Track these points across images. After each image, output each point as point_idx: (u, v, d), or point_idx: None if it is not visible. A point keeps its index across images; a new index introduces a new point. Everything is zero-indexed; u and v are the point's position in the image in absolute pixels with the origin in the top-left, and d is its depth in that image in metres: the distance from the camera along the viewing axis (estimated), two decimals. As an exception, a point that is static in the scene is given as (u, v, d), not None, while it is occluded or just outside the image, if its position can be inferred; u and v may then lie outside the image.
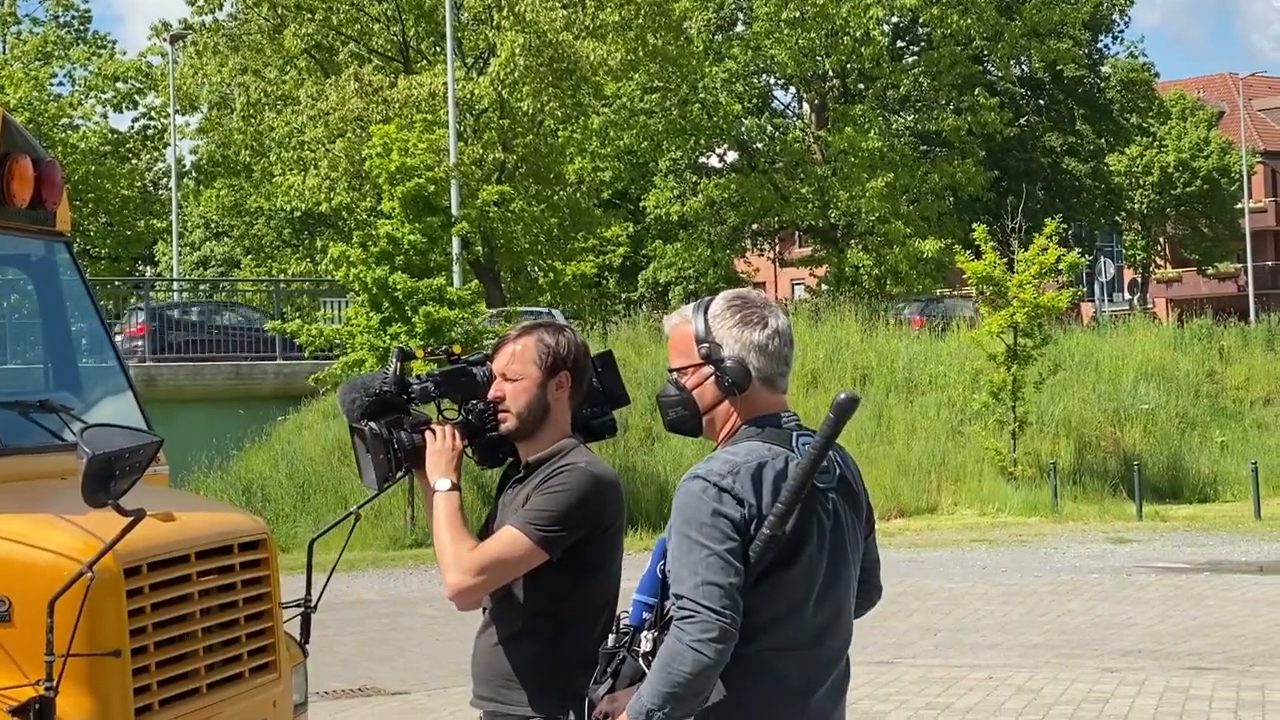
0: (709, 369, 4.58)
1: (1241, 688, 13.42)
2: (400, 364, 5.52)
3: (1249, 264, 77.42)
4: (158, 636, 6.30)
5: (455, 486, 5.36)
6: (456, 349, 5.68)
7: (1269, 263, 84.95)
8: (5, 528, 6.05)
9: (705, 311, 4.64)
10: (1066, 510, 30.99)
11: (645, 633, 4.53)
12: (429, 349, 6.07)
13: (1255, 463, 32.17)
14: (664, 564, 4.50)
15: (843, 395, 4.53)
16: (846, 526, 4.63)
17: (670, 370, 4.68)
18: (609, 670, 4.60)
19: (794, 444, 4.52)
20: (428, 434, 5.42)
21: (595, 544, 5.41)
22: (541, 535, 5.24)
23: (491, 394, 5.44)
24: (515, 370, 5.40)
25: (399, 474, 5.52)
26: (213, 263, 63.12)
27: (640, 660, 4.51)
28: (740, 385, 4.57)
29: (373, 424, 5.44)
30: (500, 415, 5.42)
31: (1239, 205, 77.32)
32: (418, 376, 5.56)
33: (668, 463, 31.60)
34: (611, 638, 4.65)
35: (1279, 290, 79.29)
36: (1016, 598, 19.74)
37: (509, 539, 5.27)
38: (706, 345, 4.60)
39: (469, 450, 5.50)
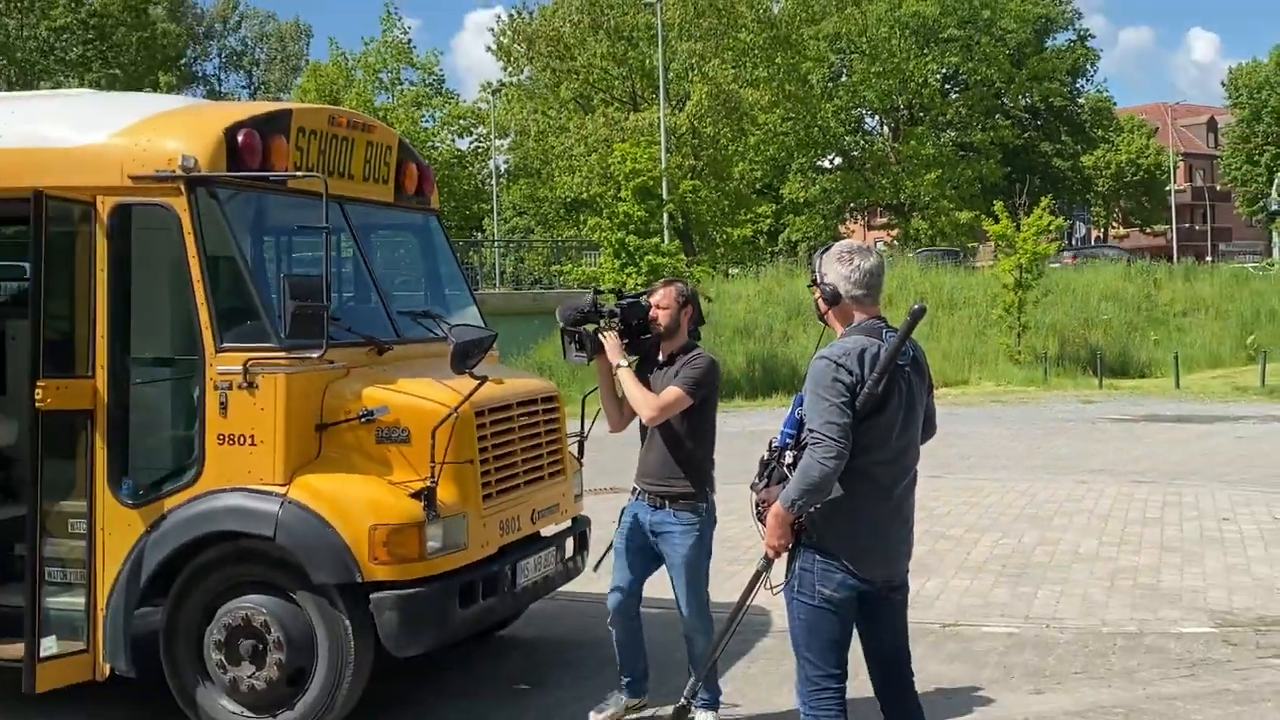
0: (818, 289, 4.65)
1: (1166, 493, 13.22)
2: (595, 296, 6.22)
3: (1173, 226, 75.86)
4: (494, 453, 6.41)
5: (628, 365, 6.06)
6: (629, 288, 6.46)
7: (1186, 225, 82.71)
8: (407, 387, 6.17)
9: (821, 255, 4.70)
10: (1053, 383, 30.50)
11: (789, 452, 4.56)
12: (611, 290, 6.70)
13: (1176, 353, 31.66)
14: (800, 411, 4.53)
15: (915, 305, 4.57)
16: (916, 388, 4.64)
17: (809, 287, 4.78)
18: (765, 474, 4.64)
19: (883, 337, 4.53)
20: (603, 337, 6.09)
21: (711, 397, 6.10)
22: (690, 390, 5.96)
23: (652, 314, 6.14)
24: (664, 303, 6.13)
25: (593, 357, 6.17)
26: (518, 231, 63.50)
27: (785, 469, 4.55)
28: (831, 300, 4.61)
29: (585, 328, 6.13)
30: (654, 326, 6.13)
31: (1167, 188, 75.65)
32: (600, 301, 6.24)
33: (796, 352, 31.57)
34: (765, 453, 4.66)
35: (1193, 243, 77.14)
36: (1020, 437, 19.51)
37: (674, 393, 5.95)
38: (815, 275, 4.67)
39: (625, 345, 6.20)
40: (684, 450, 6.02)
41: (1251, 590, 8.97)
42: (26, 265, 6.31)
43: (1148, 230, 78.63)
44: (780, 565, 4.64)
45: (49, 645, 6.03)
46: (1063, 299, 36.43)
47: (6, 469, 6.89)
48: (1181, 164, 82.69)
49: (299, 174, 6.26)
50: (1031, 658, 7.39)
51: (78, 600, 6.12)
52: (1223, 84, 75.40)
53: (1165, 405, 24.98)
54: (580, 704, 6.54)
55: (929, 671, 6.92)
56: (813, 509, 4.45)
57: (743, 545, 10.11)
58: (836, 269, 4.60)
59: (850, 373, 4.42)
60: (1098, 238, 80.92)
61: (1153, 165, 74.35)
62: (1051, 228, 33.29)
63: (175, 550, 5.97)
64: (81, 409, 6.06)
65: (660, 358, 6.14)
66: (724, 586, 8.77)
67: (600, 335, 6.11)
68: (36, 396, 5.93)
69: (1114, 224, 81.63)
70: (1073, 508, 12.36)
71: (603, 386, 6.23)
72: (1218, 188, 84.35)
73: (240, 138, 6.10)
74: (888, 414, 4.50)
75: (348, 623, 5.87)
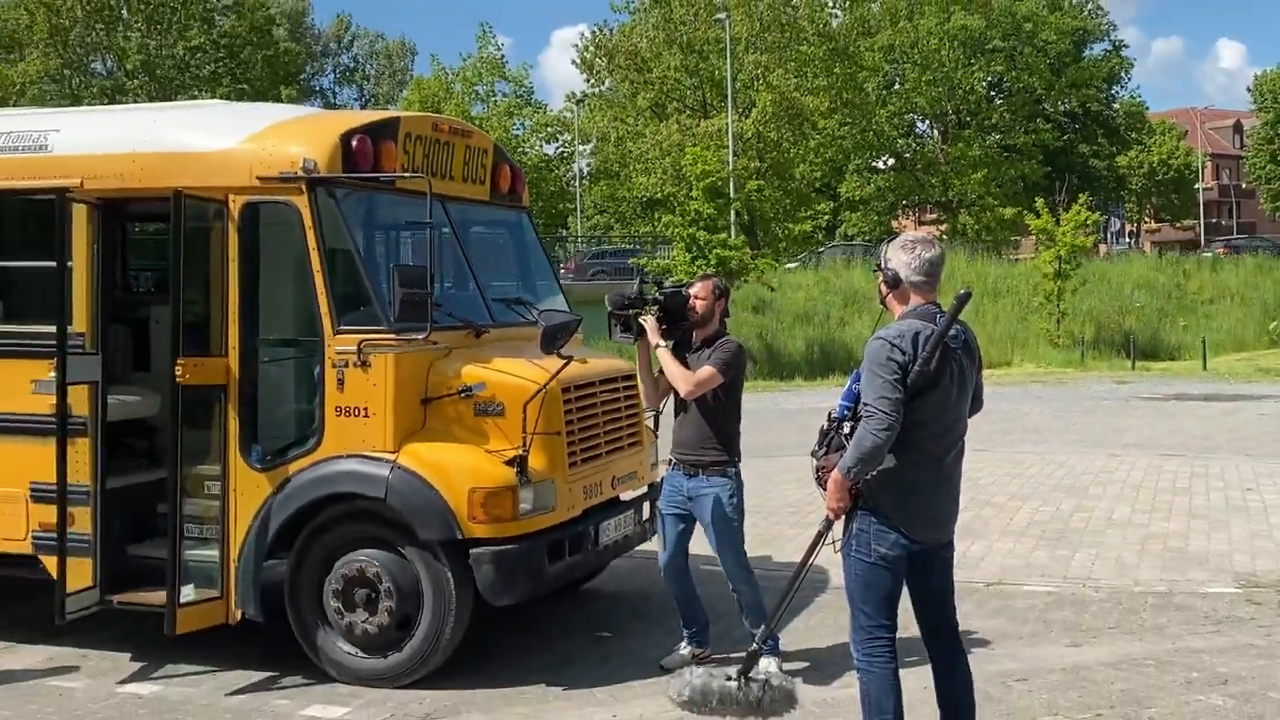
0: (881, 273, 4.59)
1: (1194, 465, 12.99)
2: (640, 285, 6.25)
3: (1201, 221, 74.44)
4: (578, 425, 6.43)
5: (667, 346, 6.09)
6: (669, 281, 6.48)
7: (1213, 220, 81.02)
8: (502, 366, 6.19)
9: (888, 243, 4.64)
10: (1089, 365, 30.05)
11: (846, 423, 4.52)
12: (653, 280, 6.68)
13: (1203, 337, 31.12)
14: (856, 386, 4.49)
15: (961, 290, 4.50)
16: (967, 368, 4.56)
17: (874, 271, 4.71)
18: (825, 442, 4.60)
19: (936, 321, 4.46)
20: (644, 321, 6.12)
21: (738, 377, 6.14)
22: (722, 369, 6.02)
23: (691, 304, 6.19)
24: (702, 294, 6.20)
25: (636, 338, 6.20)
26: (598, 227, 63.52)
27: (842, 438, 4.51)
28: (891, 284, 4.54)
29: (629, 311, 6.16)
30: (691, 314, 6.17)
31: (1196, 186, 74.18)
32: (645, 290, 6.29)
33: (851, 336, 31.37)
34: (825, 423, 4.62)
35: (1220, 237, 75.49)
36: (1059, 414, 19.23)
37: (708, 371, 6.01)
38: (879, 261, 4.61)
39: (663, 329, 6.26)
40: (717, 423, 6.08)
41: (1274, 554, 8.79)
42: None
43: (1177, 225, 77.16)
44: (839, 526, 4.61)
45: (188, 593, 6.15)
46: (1099, 287, 35.91)
47: (150, 437, 7.02)
48: (1209, 164, 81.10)
49: (406, 175, 6.31)
50: (1069, 614, 7.29)
51: (213, 553, 6.23)
52: (1248, 89, 73.86)
53: (1193, 385, 24.53)
54: (656, 650, 6.56)
55: (974, 625, 6.86)
56: (868, 475, 4.41)
57: (803, 509, 10.08)
58: (900, 256, 4.54)
59: (904, 353, 4.36)
60: (1131, 231, 79.53)
61: (1182, 165, 72.91)
62: (1088, 223, 32.90)
63: (298, 509, 6.06)
64: (216, 384, 6.17)
65: (694, 343, 6.21)
66: (786, 548, 8.80)
67: (641, 319, 6.13)
68: (176, 373, 6.03)
69: (1146, 219, 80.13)
70: (1107, 478, 12.16)
71: (641, 366, 6.33)
72: (1243, 185, 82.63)
73: (354, 143, 6.16)
74: (940, 391, 4.44)
75: (450, 575, 5.93)
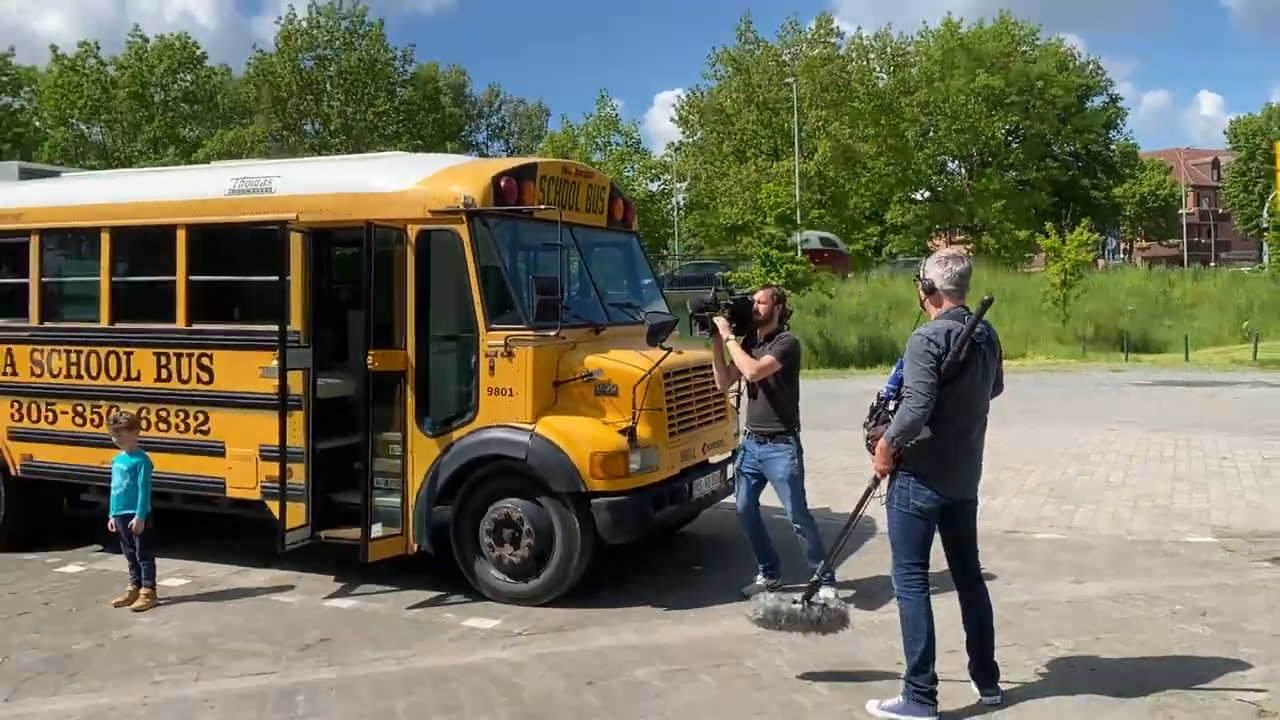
0: (920, 282, 4.48)
1: (1178, 439, 12.52)
2: (715, 292, 6.12)
3: (1184, 240, 71.66)
4: (677, 403, 6.39)
5: (736, 341, 5.98)
6: (738, 290, 6.37)
7: (1195, 239, 77.88)
8: (616, 356, 6.20)
9: (926, 258, 4.54)
10: (1090, 357, 29.14)
11: (891, 401, 4.45)
12: (726, 288, 6.53)
13: (1186, 335, 30.05)
14: (900, 372, 4.41)
15: (985, 297, 4.40)
16: (990, 360, 4.46)
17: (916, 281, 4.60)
18: (874, 417, 4.52)
19: (964, 321, 4.37)
20: (717, 320, 5.98)
21: (795, 365, 6.05)
22: (780, 358, 5.96)
23: (755, 307, 6.08)
24: (764, 300, 6.11)
25: (711, 334, 6.05)
26: (691, 248, 63.05)
27: (888, 413, 4.44)
28: (928, 291, 4.44)
29: (706, 313, 6.01)
30: (755, 315, 6.06)
31: (1180, 212, 71.46)
32: (719, 296, 6.15)
33: (895, 334, 30.81)
34: (874, 402, 4.54)
35: (1199, 253, 72.53)
36: (1065, 397, 18.65)
37: (769, 359, 5.94)
38: (919, 271, 4.50)
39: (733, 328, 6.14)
40: (780, 403, 6.01)
41: (1245, 511, 8.45)
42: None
43: (1164, 243, 74.40)
44: (884, 484, 4.54)
45: (377, 530, 6.28)
46: (1098, 295, 34.86)
47: (348, 410, 7.18)
48: (1191, 193, 78.02)
49: (542, 207, 6.34)
50: (1073, 557, 7.08)
51: (395, 500, 6.35)
52: (1224, 132, 71.14)
53: (1177, 374, 23.66)
54: (738, 581, 6.53)
55: (994, 566, 6.70)
56: (908, 445, 4.33)
57: (854, 471, 9.94)
58: (935, 269, 4.45)
59: (939, 346, 4.28)
60: (1125, 249, 76.87)
61: (1169, 195, 70.32)
62: (1089, 242, 32.08)
63: (460, 467, 6.15)
64: (397, 370, 6.28)
65: (759, 339, 6.13)
66: (841, 501, 8.69)
67: (715, 320, 6.07)
68: (368, 361, 6.17)
69: (1138, 239, 77.35)
70: (1105, 448, 11.80)
71: (715, 357, 6.23)
72: (1219, 211, 79.37)
73: (503, 183, 6.23)
74: (967, 379, 4.33)
75: (576, 520, 5.97)
